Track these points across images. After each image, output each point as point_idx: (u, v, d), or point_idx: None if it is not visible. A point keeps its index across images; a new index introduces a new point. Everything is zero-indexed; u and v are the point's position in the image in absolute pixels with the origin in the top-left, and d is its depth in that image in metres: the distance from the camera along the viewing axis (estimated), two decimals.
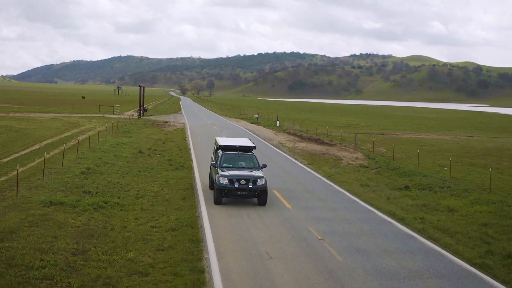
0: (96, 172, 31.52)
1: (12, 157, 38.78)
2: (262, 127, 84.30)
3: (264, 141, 60.44)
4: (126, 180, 30.45)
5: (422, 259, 18.72)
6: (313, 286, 15.80)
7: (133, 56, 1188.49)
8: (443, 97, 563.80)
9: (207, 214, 24.03)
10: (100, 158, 37.51)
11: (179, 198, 26.72)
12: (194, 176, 33.83)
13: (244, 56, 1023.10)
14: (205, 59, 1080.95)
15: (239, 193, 26.31)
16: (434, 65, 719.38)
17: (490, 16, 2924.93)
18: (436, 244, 20.71)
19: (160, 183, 30.21)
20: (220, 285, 15.27)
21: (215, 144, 31.54)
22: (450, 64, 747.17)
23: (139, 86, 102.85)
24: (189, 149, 48.27)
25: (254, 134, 69.35)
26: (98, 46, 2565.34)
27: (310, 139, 63.59)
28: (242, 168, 27.91)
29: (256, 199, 27.02)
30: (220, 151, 29.13)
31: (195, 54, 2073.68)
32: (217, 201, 26.27)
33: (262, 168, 28.31)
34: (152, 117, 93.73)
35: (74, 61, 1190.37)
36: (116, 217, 21.97)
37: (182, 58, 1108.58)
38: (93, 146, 44.35)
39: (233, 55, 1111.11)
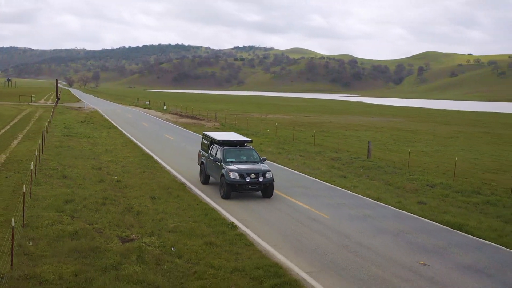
0: (71, 128, 59.43)
1: (10, 125, 65.08)
2: (152, 110, 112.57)
3: (156, 118, 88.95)
4: (88, 131, 58.01)
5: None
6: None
7: (16, 47, 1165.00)
8: (319, 88, 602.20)
9: (136, 139, 52.43)
10: (64, 123, 64.87)
11: (119, 136, 54.80)
12: (121, 130, 61.86)
13: (129, 47, 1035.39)
14: (89, 50, 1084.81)
15: (250, 187, 27.09)
16: (312, 57, 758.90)
17: (367, 10, 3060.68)
18: None
19: (106, 133, 57.94)
20: (141, 145, 43.78)
21: (205, 139, 32.76)
22: (327, 56, 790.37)
23: (56, 79, 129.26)
24: (110, 121, 75.74)
25: (149, 114, 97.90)
26: None
27: (187, 117, 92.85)
28: (245, 162, 28.59)
29: (260, 192, 28.39)
30: (217, 145, 29.93)
31: (80, 45, 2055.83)
32: (227, 196, 27.13)
33: (263, 161, 29.39)
34: (66, 104, 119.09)
35: None
36: (98, 140, 49.94)
37: (66, 50, 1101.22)
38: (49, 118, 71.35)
39: (118, 46, 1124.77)
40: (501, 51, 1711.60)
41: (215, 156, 29.35)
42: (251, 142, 31.21)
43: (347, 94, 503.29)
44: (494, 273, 17.74)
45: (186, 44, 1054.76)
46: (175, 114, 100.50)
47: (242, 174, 26.95)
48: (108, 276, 15.36)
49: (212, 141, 30.85)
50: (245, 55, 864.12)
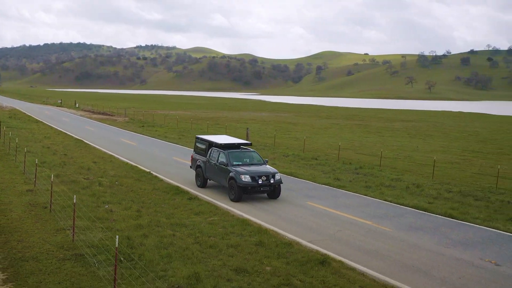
0: (5, 122, 70.65)
1: None
2: (66, 108, 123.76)
3: (72, 114, 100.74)
4: (21, 124, 69.27)
5: (141, 137, 61.23)
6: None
7: None
8: (221, 86, 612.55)
9: (64, 130, 64.60)
10: None
11: (49, 128, 66.69)
12: (47, 124, 73.59)
13: (30, 46, 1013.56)
14: None
15: (261, 189, 27.64)
16: (214, 57, 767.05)
17: (268, 9, 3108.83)
18: (140, 133, 63.52)
19: (36, 126, 69.46)
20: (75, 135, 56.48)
21: (200, 143, 33.01)
22: (229, 56, 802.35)
23: None
24: (33, 117, 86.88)
25: (64, 111, 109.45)
26: None
27: (99, 113, 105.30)
28: (250, 164, 29.02)
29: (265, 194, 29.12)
30: (218, 149, 30.22)
31: None
32: (238, 199, 27.61)
33: (266, 162, 29.94)
34: None
35: None
36: (34, 131, 61.81)
37: None
38: None
39: (18, 45, 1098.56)
40: (395, 50, 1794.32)
41: (218, 159, 29.78)
42: (250, 145, 31.97)
43: (248, 92, 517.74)
44: (298, 190, 32.09)
45: (88, 43, 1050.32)
46: (88, 111, 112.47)
47: (253, 176, 27.52)
48: (86, 190, 28.79)
49: (211, 145, 31.35)
50: (147, 54, 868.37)
